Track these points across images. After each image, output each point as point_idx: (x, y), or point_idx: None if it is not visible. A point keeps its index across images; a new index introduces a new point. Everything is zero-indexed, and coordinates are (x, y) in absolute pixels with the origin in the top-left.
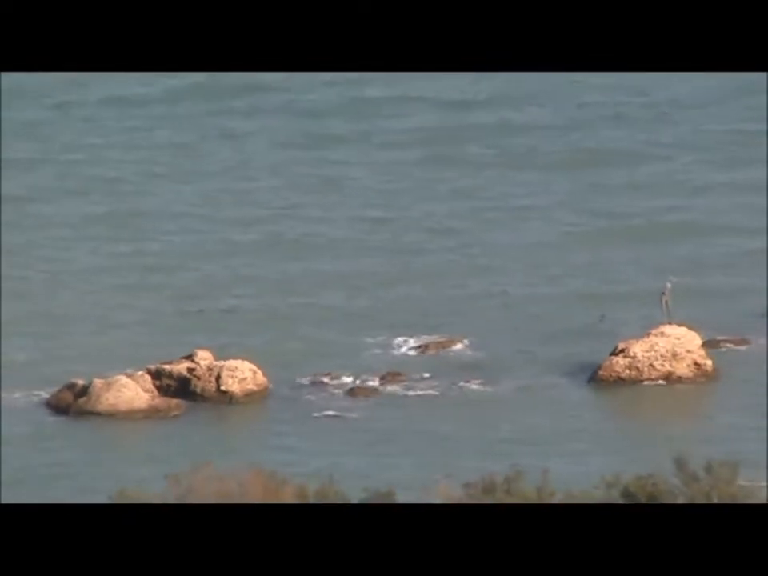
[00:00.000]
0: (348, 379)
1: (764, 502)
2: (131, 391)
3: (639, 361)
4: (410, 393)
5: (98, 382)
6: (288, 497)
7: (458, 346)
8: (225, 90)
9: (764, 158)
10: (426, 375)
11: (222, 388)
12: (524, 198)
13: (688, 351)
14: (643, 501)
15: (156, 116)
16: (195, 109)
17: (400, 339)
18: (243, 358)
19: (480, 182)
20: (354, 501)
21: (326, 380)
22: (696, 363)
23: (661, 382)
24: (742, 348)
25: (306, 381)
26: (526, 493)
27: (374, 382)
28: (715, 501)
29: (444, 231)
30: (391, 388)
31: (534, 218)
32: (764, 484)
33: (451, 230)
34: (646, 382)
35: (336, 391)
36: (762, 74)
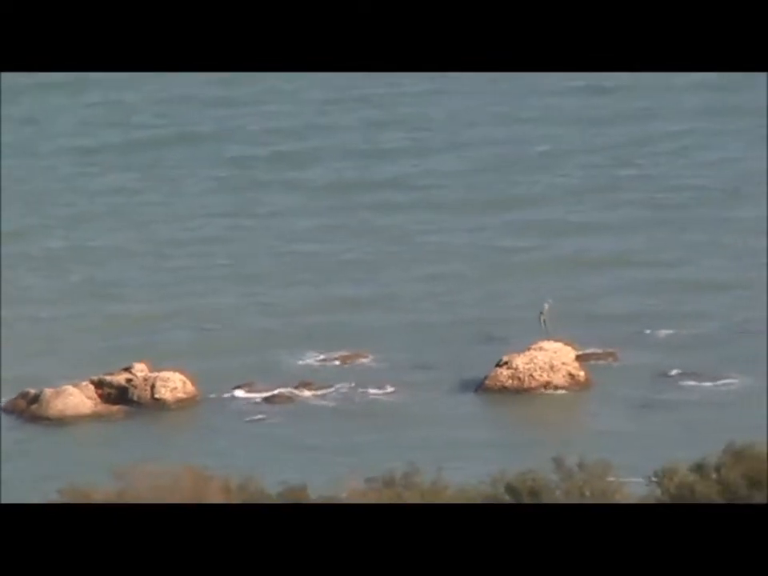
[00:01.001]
0: (267, 389)
1: (633, 496)
2: (77, 399)
3: (521, 372)
4: (320, 401)
5: (48, 391)
6: (214, 491)
7: (363, 360)
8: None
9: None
10: (336, 385)
11: (156, 396)
12: (432, 235)
13: (563, 363)
14: (524, 495)
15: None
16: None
17: (312, 353)
18: (174, 370)
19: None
20: (272, 494)
21: (247, 389)
22: (570, 374)
23: (540, 390)
24: (611, 361)
25: (230, 390)
26: (422, 487)
27: (288, 391)
28: (588, 494)
29: (353, 262)
30: (304, 396)
31: (435, 251)
32: (633, 480)
33: (360, 261)
34: (526, 391)
35: (256, 399)
36: None
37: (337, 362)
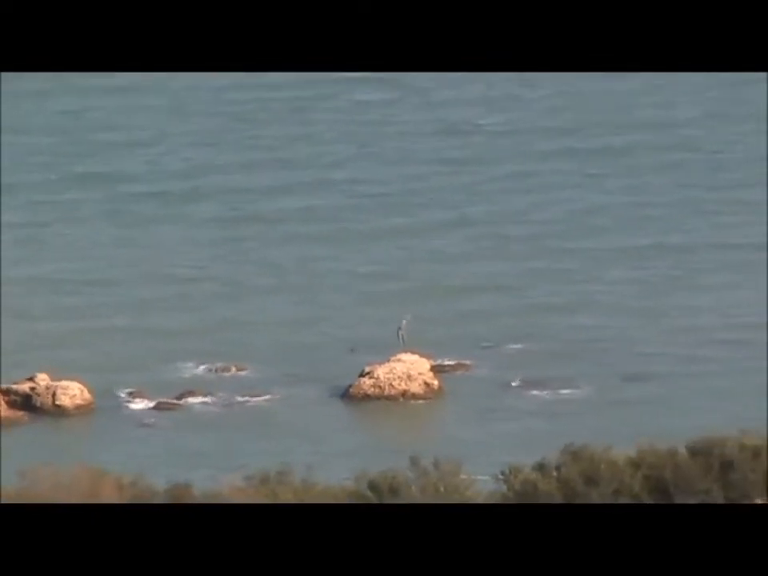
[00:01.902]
0: (155, 397)
1: (482, 493)
2: None
3: (381, 381)
4: (203, 408)
5: None
6: (108, 488)
7: (242, 372)
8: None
9: None
10: (218, 393)
11: (57, 403)
12: (326, 262)
13: (419, 373)
14: (385, 492)
15: None
16: None
17: (195, 365)
18: (73, 379)
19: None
20: (160, 491)
21: (138, 398)
22: (426, 383)
23: (399, 397)
24: (462, 372)
25: (123, 397)
26: (294, 484)
27: (175, 399)
28: (442, 490)
29: (234, 286)
30: (188, 403)
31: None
32: (481, 477)
33: (240, 285)
34: (387, 398)
35: (146, 407)
36: None
37: (218, 373)
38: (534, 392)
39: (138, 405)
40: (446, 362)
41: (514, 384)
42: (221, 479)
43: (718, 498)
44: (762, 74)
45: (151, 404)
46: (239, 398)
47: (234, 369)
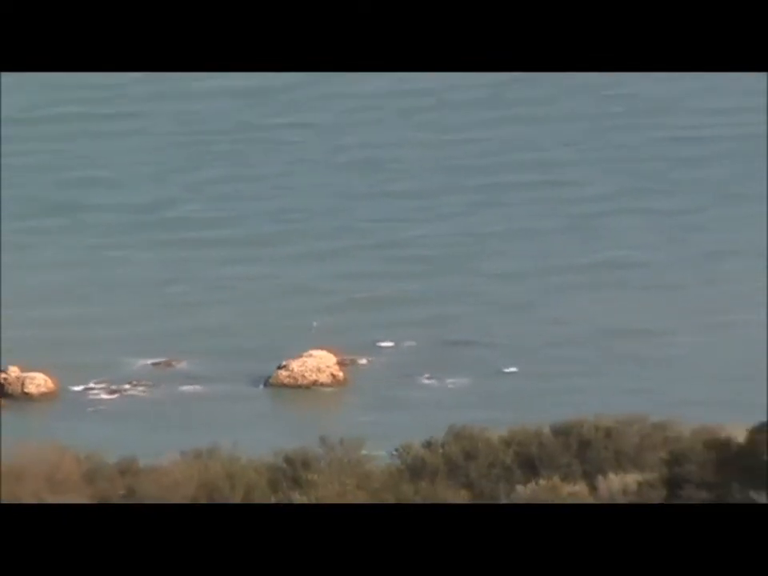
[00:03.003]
0: (108, 385)
1: (380, 466)
2: None
3: (296, 373)
4: (148, 394)
5: None
6: (68, 462)
7: (180, 364)
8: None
9: None
10: (160, 383)
11: (25, 391)
12: (255, 281)
13: (327, 366)
14: (298, 465)
15: None
16: None
17: (142, 359)
18: (39, 371)
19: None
20: (111, 463)
21: (94, 385)
22: (333, 374)
23: (310, 386)
24: (365, 364)
25: (81, 386)
26: (222, 458)
27: (125, 387)
28: (346, 462)
29: (185, 294)
30: (136, 390)
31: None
32: (380, 453)
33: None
34: (300, 387)
35: (101, 394)
36: None
37: (161, 367)
38: (425, 382)
39: (94, 392)
40: (350, 357)
41: (407, 375)
42: (162, 454)
43: (577, 471)
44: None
45: (105, 391)
46: (178, 387)
47: (174, 363)
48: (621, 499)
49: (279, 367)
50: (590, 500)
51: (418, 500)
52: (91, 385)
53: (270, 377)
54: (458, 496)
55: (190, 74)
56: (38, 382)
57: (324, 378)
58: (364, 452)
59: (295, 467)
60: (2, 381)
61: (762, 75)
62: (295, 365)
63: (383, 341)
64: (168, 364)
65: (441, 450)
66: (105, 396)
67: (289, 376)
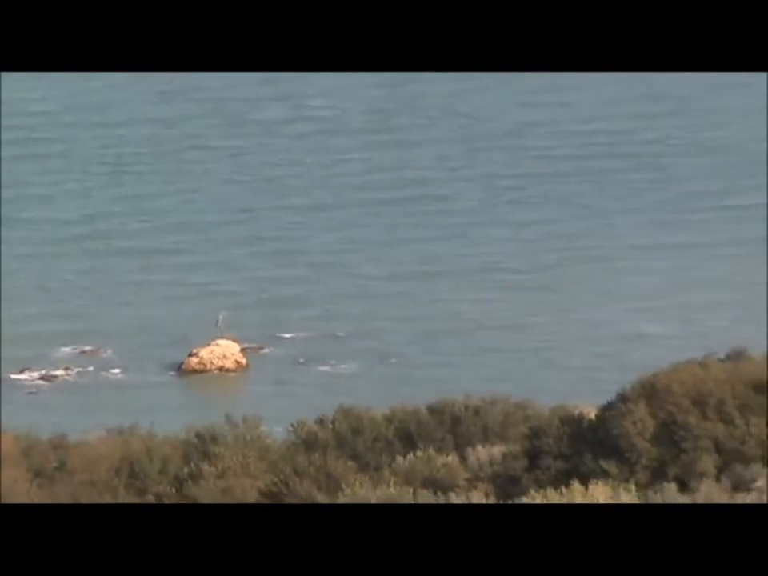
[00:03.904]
0: (40, 371)
1: (277, 441)
2: None
3: (204, 359)
4: (75, 379)
5: None
6: (6, 440)
7: (104, 354)
8: None
9: None
10: (88, 368)
11: None
12: (168, 285)
13: (232, 354)
14: (208, 440)
15: None
16: None
17: (69, 347)
18: None
19: None
20: (44, 440)
21: (27, 372)
22: (237, 361)
23: (216, 371)
24: (263, 352)
25: (15, 372)
26: (142, 435)
27: (54, 372)
28: (248, 438)
29: (103, 296)
30: (64, 375)
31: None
32: (277, 429)
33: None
34: (208, 372)
35: (33, 379)
36: None
37: (86, 355)
38: (318, 368)
39: (26, 377)
40: (252, 346)
41: (301, 361)
42: (89, 432)
43: (449, 444)
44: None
45: (36, 377)
46: (102, 372)
47: (98, 351)
48: (487, 468)
49: (190, 355)
50: (461, 469)
51: (311, 470)
52: (24, 371)
53: (182, 363)
54: (345, 467)
55: (113, 103)
56: None
57: (229, 364)
58: (263, 428)
59: (204, 442)
60: None
61: (610, 100)
62: (204, 352)
63: (283, 333)
64: (93, 353)
65: (331, 427)
66: (36, 380)
67: (198, 362)
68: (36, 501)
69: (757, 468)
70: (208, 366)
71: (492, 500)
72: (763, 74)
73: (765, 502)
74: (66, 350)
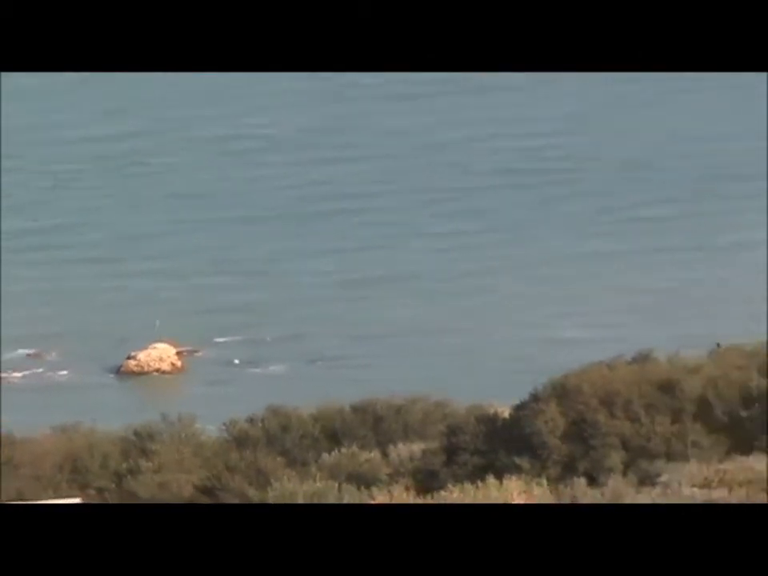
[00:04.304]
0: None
1: (211, 438)
2: None
3: (142, 362)
4: (23, 380)
5: None
6: None
7: (50, 356)
8: None
9: None
10: (34, 370)
11: None
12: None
13: (168, 356)
14: (145, 437)
15: None
16: None
17: (19, 350)
18: None
19: None
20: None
21: None
22: (173, 363)
23: (154, 373)
24: (198, 355)
25: None
26: (84, 432)
27: (4, 375)
28: (183, 436)
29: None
30: (14, 377)
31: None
32: (210, 426)
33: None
34: (146, 373)
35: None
36: None
37: (32, 356)
38: (250, 369)
39: None
40: (187, 349)
41: (236, 362)
42: (35, 429)
43: (372, 441)
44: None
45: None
46: (47, 373)
47: (45, 354)
48: (408, 464)
49: (128, 357)
50: (383, 465)
51: (243, 466)
52: None
53: (121, 366)
54: (274, 462)
55: (59, 121)
56: None
57: (165, 366)
58: (198, 426)
59: (142, 439)
60: None
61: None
62: (142, 355)
63: (217, 338)
64: (39, 355)
65: (261, 425)
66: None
67: (136, 365)
68: None
69: (661, 463)
70: (145, 369)
71: (412, 494)
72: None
73: (668, 495)
74: (14, 351)
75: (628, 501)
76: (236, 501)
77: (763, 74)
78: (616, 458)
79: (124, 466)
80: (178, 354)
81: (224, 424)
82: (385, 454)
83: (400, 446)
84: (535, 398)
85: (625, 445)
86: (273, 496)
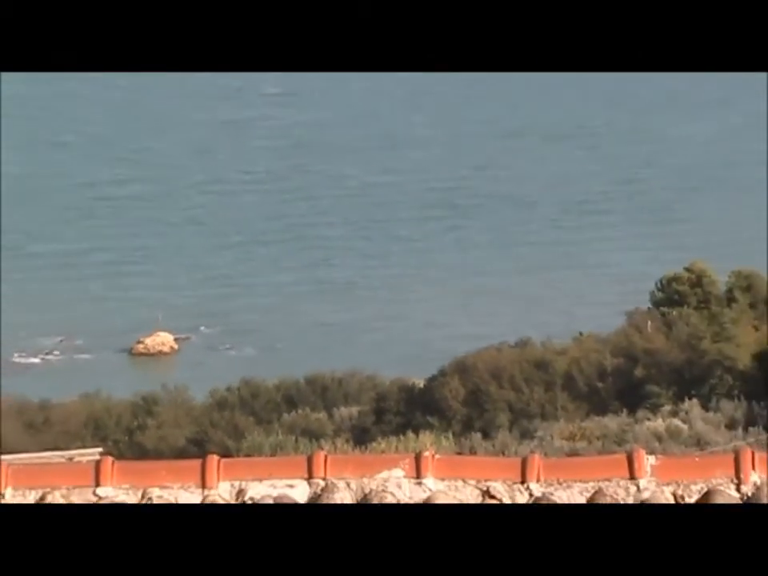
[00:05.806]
0: (32, 355)
1: (201, 403)
2: None
3: (148, 346)
4: (59, 360)
5: None
6: (6, 401)
7: (77, 341)
8: None
9: None
10: (67, 352)
11: None
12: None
13: (168, 342)
14: (150, 402)
15: None
16: None
17: (49, 336)
18: None
19: None
20: (35, 402)
21: (21, 356)
22: (171, 347)
23: (158, 354)
24: (190, 339)
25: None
26: (102, 400)
27: (44, 356)
28: (179, 401)
29: (75, 293)
30: (51, 357)
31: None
32: (197, 395)
33: (79, 294)
34: (152, 355)
35: (30, 358)
36: None
37: (62, 342)
38: (229, 352)
39: (23, 359)
40: (182, 336)
41: (221, 348)
42: (66, 395)
43: (320, 405)
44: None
45: (32, 358)
46: (75, 355)
47: (72, 340)
48: (347, 422)
49: (137, 342)
50: (329, 423)
51: (223, 424)
52: (19, 356)
53: (131, 348)
54: (247, 421)
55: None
56: None
57: (166, 349)
58: (189, 393)
59: (148, 403)
60: None
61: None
62: (148, 340)
63: (202, 327)
64: (68, 340)
65: (237, 393)
66: (32, 360)
67: (144, 348)
68: (27, 446)
69: (537, 422)
70: (151, 351)
71: (350, 445)
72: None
73: (543, 446)
74: (50, 338)
75: (512, 450)
76: (218, 451)
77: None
78: (503, 418)
79: (134, 423)
80: (175, 340)
81: (209, 392)
82: (330, 415)
83: (342, 409)
84: (443, 373)
85: (510, 408)
86: (246, 446)
